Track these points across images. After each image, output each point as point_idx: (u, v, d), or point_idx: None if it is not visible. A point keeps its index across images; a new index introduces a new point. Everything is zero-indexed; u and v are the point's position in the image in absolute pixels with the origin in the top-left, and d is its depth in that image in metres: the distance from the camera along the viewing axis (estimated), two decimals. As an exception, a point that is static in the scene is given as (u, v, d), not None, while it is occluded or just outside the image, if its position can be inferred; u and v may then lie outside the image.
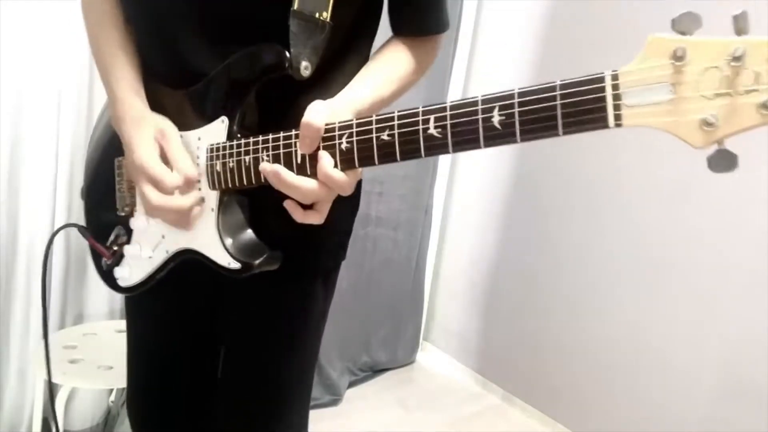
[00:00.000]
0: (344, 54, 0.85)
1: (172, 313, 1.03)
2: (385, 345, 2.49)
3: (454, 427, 2.21)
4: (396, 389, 2.40)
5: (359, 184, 0.97)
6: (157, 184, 0.79)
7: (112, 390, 1.80)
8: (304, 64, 0.76)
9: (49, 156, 1.60)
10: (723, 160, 0.53)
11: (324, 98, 0.76)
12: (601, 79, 0.55)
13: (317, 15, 0.76)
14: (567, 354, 2.18)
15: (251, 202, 0.84)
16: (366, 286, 2.36)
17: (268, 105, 0.82)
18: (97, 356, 1.54)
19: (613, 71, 0.55)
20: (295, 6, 0.75)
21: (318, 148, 0.72)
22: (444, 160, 2.51)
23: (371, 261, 2.36)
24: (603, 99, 0.55)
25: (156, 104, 0.87)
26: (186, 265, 0.87)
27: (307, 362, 1.01)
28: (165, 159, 0.81)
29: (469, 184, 2.53)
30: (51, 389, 1.25)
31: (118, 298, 1.80)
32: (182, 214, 0.81)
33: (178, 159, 0.80)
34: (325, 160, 0.71)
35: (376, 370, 2.47)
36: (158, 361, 1.07)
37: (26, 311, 1.64)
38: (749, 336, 1.73)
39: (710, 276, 1.81)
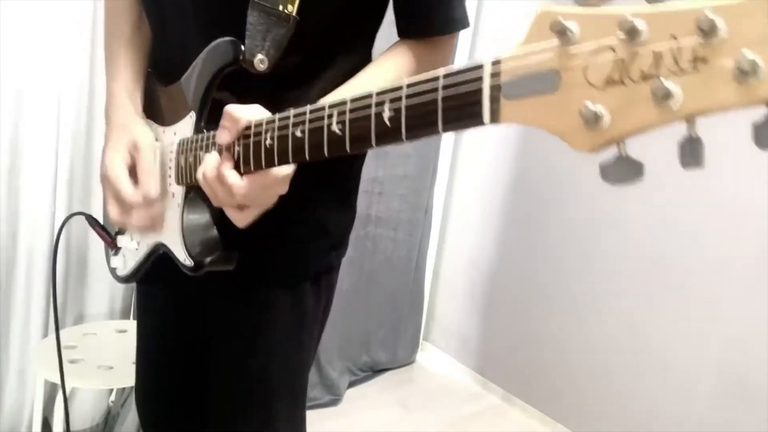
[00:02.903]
0: (331, 52, 0.82)
1: (167, 312, 1.04)
2: (385, 345, 2.49)
3: (454, 427, 2.21)
4: (396, 389, 2.40)
5: (355, 184, 0.94)
6: (117, 197, 0.80)
7: (112, 390, 1.80)
8: (259, 57, 0.73)
9: (49, 155, 1.59)
10: (621, 169, 0.41)
11: (307, 96, 0.74)
12: (480, 67, 0.47)
13: (281, 8, 0.73)
14: (567, 354, 2.18)
15: None
16: (366, 286, 2.35)
17: (248, 102, 0.77)
18: (97, 356, 1.54)
19: (496, 57, 0.46)
20: None
21: (247, 146, 0.68)
22: (444, 161, 2.50)
23: (371, 261, 2.35)
24: (479, 91, 0.46)
25: (151, 101, 0.88)
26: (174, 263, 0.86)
27: (296, 367, 0.95)
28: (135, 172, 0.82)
29: (469, 184, 2.52)
30: (60, 383, 1.25)
31: (119, 298, 1.80)
32: (143, 226, 0.82)
33: (144, 175, 0.80)
34: (226, 161, 0.69)
35: (376, 370, 2.47)
36: (156, 359, 1.08)
37: (26, 311, 1.64)
38: (749, 336, 1.73)
39: (710, 276, 1.81)
